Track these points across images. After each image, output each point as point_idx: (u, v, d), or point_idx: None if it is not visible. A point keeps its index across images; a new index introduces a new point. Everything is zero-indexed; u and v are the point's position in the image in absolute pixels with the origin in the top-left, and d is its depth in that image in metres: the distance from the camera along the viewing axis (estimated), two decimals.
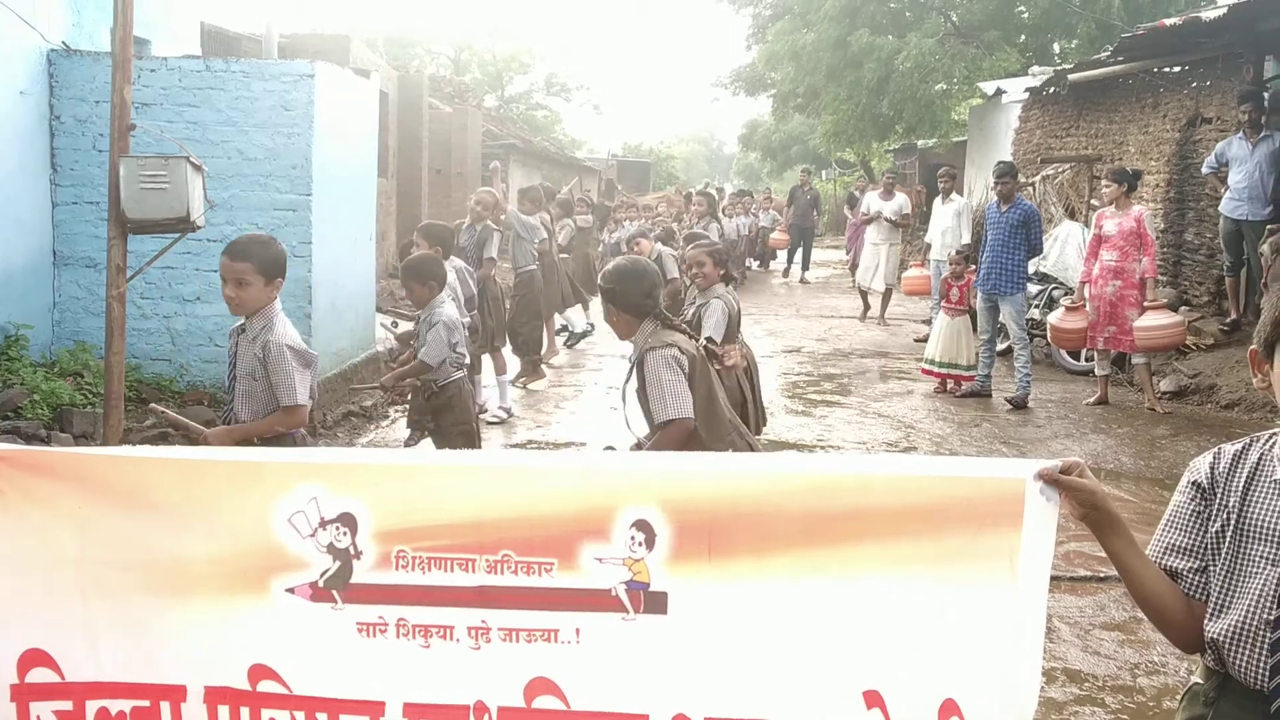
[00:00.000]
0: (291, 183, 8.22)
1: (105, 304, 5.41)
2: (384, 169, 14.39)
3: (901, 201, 15.37)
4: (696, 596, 2.12)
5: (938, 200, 13.48)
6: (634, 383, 4.18)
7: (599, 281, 4.37)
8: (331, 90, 8.57)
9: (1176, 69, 12.28)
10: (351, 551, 2.15)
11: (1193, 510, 2.11)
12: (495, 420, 8.76)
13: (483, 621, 2.15)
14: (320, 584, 2.16)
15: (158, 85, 8.09)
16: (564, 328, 12.80)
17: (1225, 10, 9.91)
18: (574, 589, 2.12)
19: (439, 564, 2.14)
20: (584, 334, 12.86)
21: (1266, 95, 10.70)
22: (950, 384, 10.31)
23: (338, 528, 2.15)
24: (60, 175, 8.16)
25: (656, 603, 2.12)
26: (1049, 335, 10.43)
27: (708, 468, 2.30)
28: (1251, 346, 2.07)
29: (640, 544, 2.11)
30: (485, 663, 2.15)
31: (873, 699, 2.10)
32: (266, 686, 2.21)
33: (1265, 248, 9.01)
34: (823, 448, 8.22)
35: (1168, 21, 11.39)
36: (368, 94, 9.78)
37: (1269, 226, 9.45)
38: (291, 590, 2.17)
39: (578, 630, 2.14)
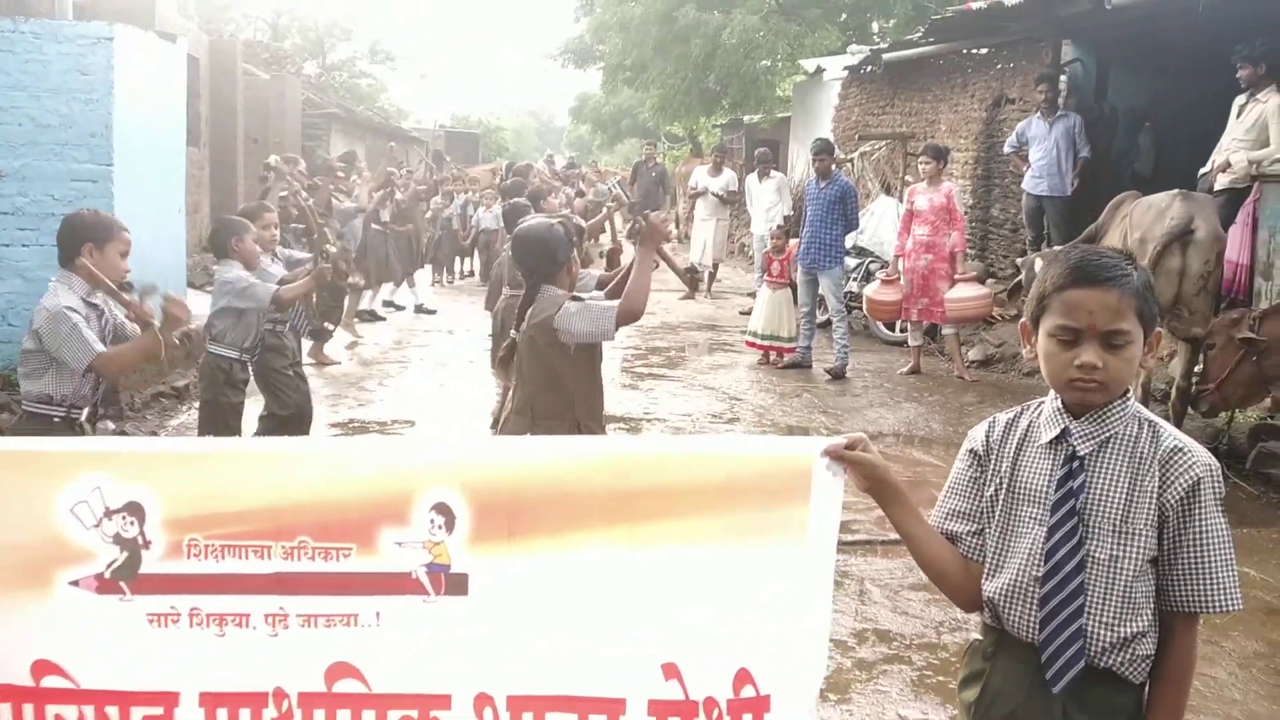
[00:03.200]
0: (90, 151, 7.81)
1: None
2: (195, 138, 13.80)
3: (729, 178, 15.62)
4: (497, 577, 2.14)
5: (752, 177, 13.80)
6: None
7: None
8: (133, 54, 8.17)
9: (984, 51, 12.86)
10: (140, 541, 2.09)
11: (970, 477, 2.25)
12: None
13: (280, 608, 2.12)
14: (107, 575, 2.09)
15: None
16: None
17: None
18: (373, 573, 2.12)
19: (233, 551, 2.10)
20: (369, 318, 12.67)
21: (1064, 77, 11.32)
22: (773, 355, 10.58)
23: (124, 517, 2.08)
24: None
25: (457, 584, 2.13)
26: (865, 307, 10.82)
27: (508, 450, 2.34)
28: (1022, 320, 2.21)
29: (440, 526, 2.11)
30: (283, 649, 2.13)
31: (670, 670, 2.17)
32: (51, 682, 2.13)
33: (1030, 260, 9.36)
34: (649, 421, 8.34)
35: (974, 5, 11.91)
36: (174, 58, 9.35)
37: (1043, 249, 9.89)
38: (76, 583, 2.09)
39: (378, 614, 2.13)
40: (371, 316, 12.64)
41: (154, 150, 8.77)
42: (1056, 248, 8.73)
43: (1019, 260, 9.15)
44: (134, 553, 2.09)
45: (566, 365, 4.07)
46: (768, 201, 13.31)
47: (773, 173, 13.64)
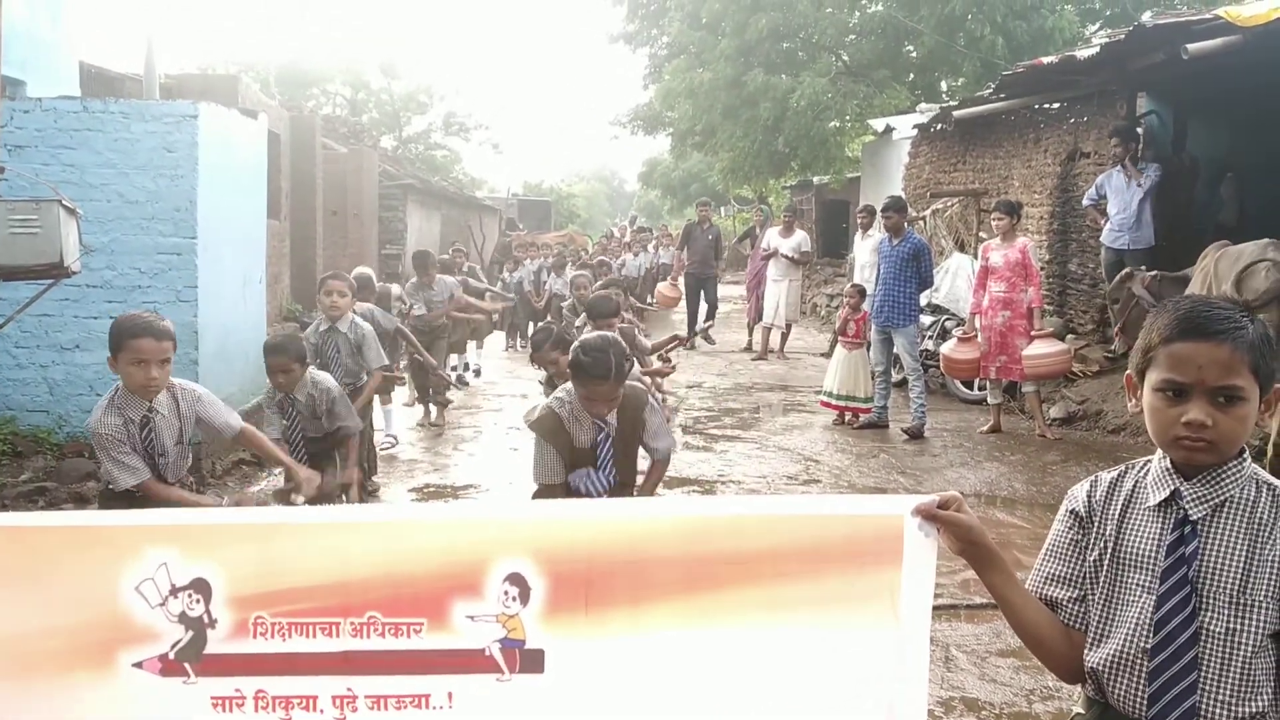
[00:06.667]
0: (175, 225, 8.00)
1: None
2: (276, 211, 14.10)
3: (800, 238, 15.55)
4: (574, 652, 2.04)
5: (857, 236, 13.62)
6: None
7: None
8: (217, 131, 8.38)
9: (1056, 105, 12.70)
10: (205, 620, 2.02)
11: (1071, 539, 2.11)
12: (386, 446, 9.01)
13: (348, 689, 2.03)
14: (171, 656, 2.02)
15: (32, 127, 7.82)
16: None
17: (1098, 49, 10.29)
18: (445, 650, 2.03)
19: (300, 629, 2.03)
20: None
21: (1140, 130, 11.12)
22: (848, 416, 10.42)
23: (190, 595, 2.02)
24: None
25: (533, 661, 2.04)
26: (942, 366, 10.61)
27: (581, 515, 2.23)
28: (1128, 372, 2.09)
29: (514, 598, 2.02)
30: None
31: None
32: None
33: (1138, 288, 9.26)
34: (723, 483, 8.21)
35: (1046, 60, 11.79)
36: (255, 135, 9.58)
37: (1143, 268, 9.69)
38: (139, 664, 2.02)
39: (450, 694, 2.04)
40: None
41: (236, 223, 8.95)
42: (1148, 273, 8.55)
43: (1109, 290, 8.99)
44: (199, 632, 2.03)
45: None
46: (865, 259, 13.09)
47: (873, 231, 13.39)
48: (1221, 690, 1.88)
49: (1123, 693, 1.97)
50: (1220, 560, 1.91)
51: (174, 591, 2.02)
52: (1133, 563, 2.00)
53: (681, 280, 17.25)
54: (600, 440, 4.17)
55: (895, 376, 10.69)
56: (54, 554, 2.06)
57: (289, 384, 5.56)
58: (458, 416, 10.91)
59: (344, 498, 5.56)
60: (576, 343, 4.18)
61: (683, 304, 17.45)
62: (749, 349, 15.97)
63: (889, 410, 10.30)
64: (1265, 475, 1.97)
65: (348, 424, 5.67)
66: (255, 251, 9.68)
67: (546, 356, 5.70)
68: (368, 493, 7.51)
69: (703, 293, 16.60)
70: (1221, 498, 1.93)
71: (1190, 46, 8.72)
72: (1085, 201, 11.08)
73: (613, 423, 4.19)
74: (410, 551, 2.07)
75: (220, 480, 8.10)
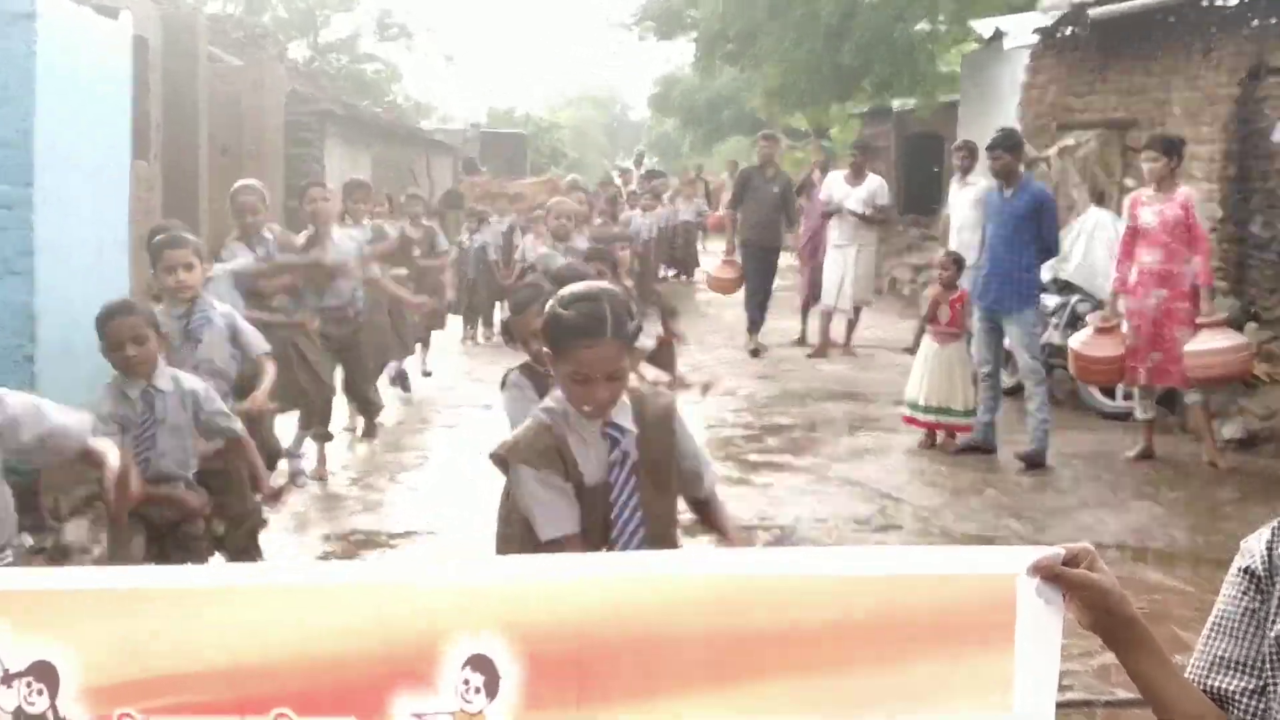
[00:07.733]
0: (4, 170, 8.02)
1: None
2: (143, 148, 14.16)
3: (874, 187, 15.40)
4: None
5: (954, 184, 13.58)
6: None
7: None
8: (62, 36, 8.40)
9: (1234, 2, 12.69)
10: (50, 719, 2.05)
11: (1245, 608, 2.13)
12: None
13: None
14: None
15: None
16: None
17: None
18: None
19: None
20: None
21: None
22: (941, 435, 10.45)
23: (29, 684, 2.05)
24: None
25: None
26: (1073, 366, 10.62)
27: (570, 573, 2.22)
28: None
29: (477, 690, 2.04)
30: None
31: None
32: None
33: None
34: (765, 529, 8.25)
35: None
36: (116, 40, 9.62)
37: None
38: None
39: None
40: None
41: (89, 166, 8.98)
42: None
43: None
44: None
45: None
46: (965, 217, 12.83)
47: (975, 176, 13.13)
48: None
49: None
50: None
51: (5, 679, 2.05)
52: None
53: (739, 253, 16.12)
54: (614, 465, 3.60)
55: (1007, 381, 10.71)
56: None
57: (144, 360, 5.33)
58: (398, 436, 10.97)
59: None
60: (553, 298, 3.58)
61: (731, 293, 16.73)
62: (802, 341, 16.03)
63: (997, 428, 10.33)
64: None
65: (230, 425, 5.74)
66: (116, 205, 9.71)
67: (532, 325, 4.93)
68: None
69: (760, 275, 15.93)
70: None
71: None
72: (1276, 137, 11.07)
73: (629, 430, 3.61)
74: (334, 626, 2.09)
75: (64, 522, 8.14)
